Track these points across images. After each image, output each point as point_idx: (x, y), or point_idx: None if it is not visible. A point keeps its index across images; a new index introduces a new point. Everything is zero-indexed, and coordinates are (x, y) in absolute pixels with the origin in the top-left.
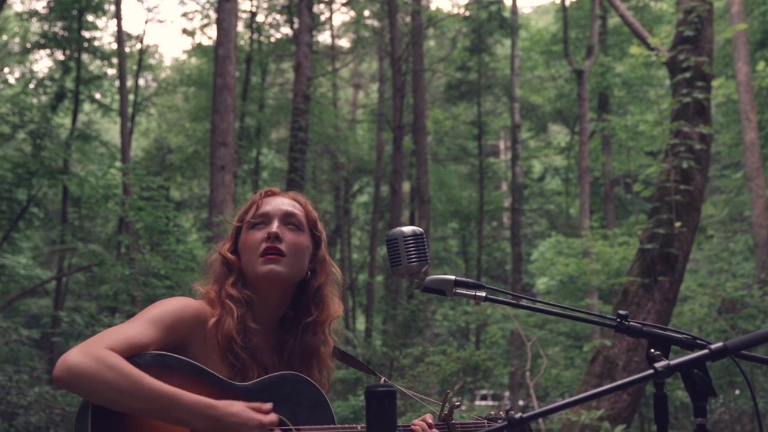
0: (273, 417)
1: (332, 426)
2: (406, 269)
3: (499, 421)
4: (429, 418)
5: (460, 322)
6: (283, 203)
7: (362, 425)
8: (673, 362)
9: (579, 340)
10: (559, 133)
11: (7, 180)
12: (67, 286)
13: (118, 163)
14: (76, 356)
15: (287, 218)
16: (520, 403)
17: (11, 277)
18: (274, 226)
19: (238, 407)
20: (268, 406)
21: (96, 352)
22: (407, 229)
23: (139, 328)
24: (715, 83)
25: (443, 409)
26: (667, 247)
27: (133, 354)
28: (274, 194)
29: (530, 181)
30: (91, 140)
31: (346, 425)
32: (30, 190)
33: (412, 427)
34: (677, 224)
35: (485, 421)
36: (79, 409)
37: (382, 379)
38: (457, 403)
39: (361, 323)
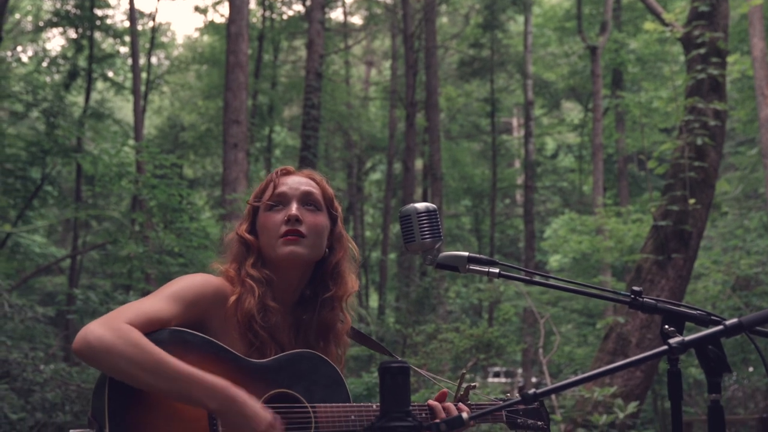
0: (281, 427)
1: (347, 404)
2: (420, 245)
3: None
4: (444, 396)
5: (473, 300)
6: (300, 183)
7: (377, 404)
8: (687, 338)
9: (592, 317)
10: (572, 110)
11: (21, 158)
12: (81, 264)
13: (131, 141)
14: (97, 329)
15: (305, 199)
16: (533, 380)
17: (26, 255)
18: (294, 208)
19: (254, 400)
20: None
21: (117, 326)
22: (420, 205)
23: (159, 303)
24: (730, 59)
25: (459, 390)
26: (681, 224)
27: (153, 329)
28: (289, 173)
29: (543, 158)
30: (104, 118)
31: (362, 404)
32: (44, 169)
33: (429, 404)
34: (691, 201)
35: (500, 401)
36: (96, 385)
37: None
38: (473, 384)
39: (374, 301)
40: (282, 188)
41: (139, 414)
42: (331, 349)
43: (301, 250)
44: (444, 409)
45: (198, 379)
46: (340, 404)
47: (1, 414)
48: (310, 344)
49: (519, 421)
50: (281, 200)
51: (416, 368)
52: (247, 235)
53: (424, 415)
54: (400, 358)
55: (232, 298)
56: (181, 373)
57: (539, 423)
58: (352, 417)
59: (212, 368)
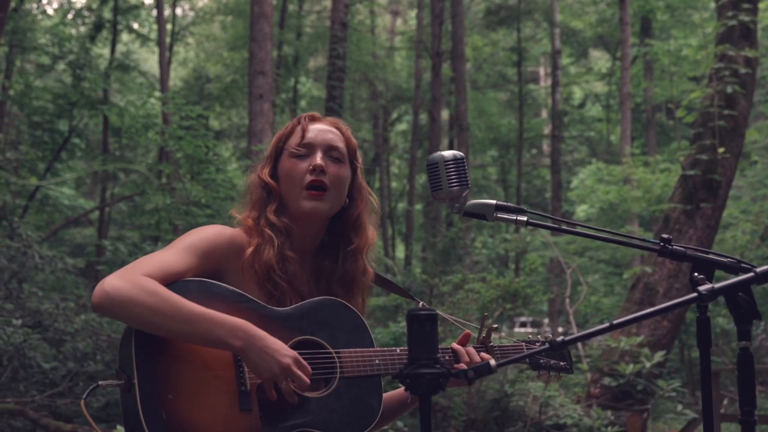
0: (308, 368)
1: (372, 349)
2: (447, 194)
3: (537, 344)
4: (467, 338)
5: (500, 250)
6: (326, 132)
7: (401, 348)
8: (717, 285)
9: (619, 267)
10: (600, 59)
11: (48, 111)
12: (110, 216)
13: (157, 93)
14: (115, 282)
15: (330, 150)
16: (560, 330)
17: (56, 208)
18: (319, 158)
19: (276, 338)
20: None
21: (134, 277)
22: (448, 153)
23: (174, 255)
24: (762, 5)
25: (481, 332)
26: (710, 173)
27: (170, 281)
28: (315, 119)
29: (570, 107)
30: (129, 70)
31: (385, 348)
32: (71, 121)
33: (453, 347)
34: (720, 150)
35: (523, 343)
36: (122, 338)
37: (421, 303)
38: (495, 326)
39: (400, 251)
40: (309, 136)
41: (165, 363)
42: (356, 300)
43: (323, 206)
44: (467, 352)
45: (218, 320)
46: (364, 349)
47: (35, 363)
48: (333, 293)
49: (542, 361)
50: (307, 148)
51: (440, 312)
52: (270, 180)
53: (447, 357)
54: (423, 303)
55: (250, 250)
56: (200, 316)
57: (561, 363)
58: (377, 361)
59: (236, 316)
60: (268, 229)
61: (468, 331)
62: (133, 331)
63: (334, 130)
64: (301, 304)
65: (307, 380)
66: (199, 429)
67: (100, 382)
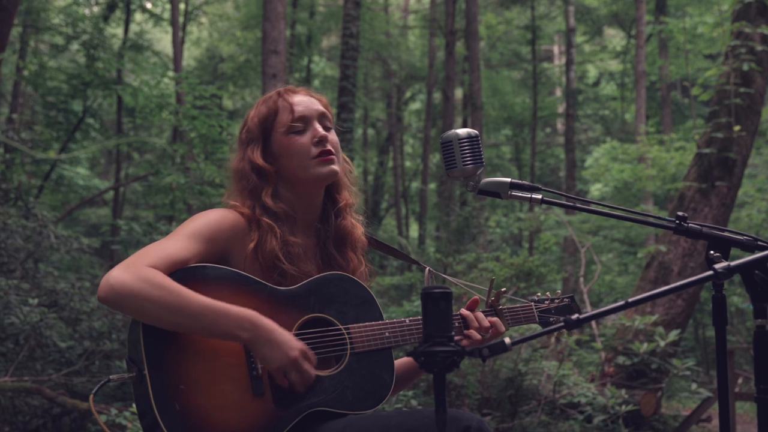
0: (314, 358)
1: (381, 322)
2: (461, 172)
3: (546, 302)
4: (475, 303)
5: (513, 229)
6: (314, 103)
7: (411, 318)
8: (733, 263)
9: (633, 246)
10: (614, 37)
11: (62, 91)
12: (124, 196)
13: (170, 73)
14: (120, 275)
15: (322, 119)
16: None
17: (70, 188)
18: (320, 129)
19: (284, 329)
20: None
21: (139, 270)
22: (462, 131)
23: (178, 243)
24: None
25: (489, 296)
26: (726, 152)
27: (175, 269)
28: (293, 92)
29: (585, 86)
30: (143, 50)
31: (395, 320)
32: (85, 101)
33: (461, 313)
34: (736, 128)
35: (532, 303)
36: (131, 325)
37: (427, 269)
38: (503, 289)
39: (414, 230)
40: (299, 109)
41: (175, 354)
42: (351, 256)
43: (337, 168)
44: (476, 317)
45: (224, 312)
46: (373, 323)
47: (51, 342)
48: (332, 256)
49: (551, 320)
50: (303, 121)
51: (447, 276)
52: (265, 163)
53: (457, 324)
54: (429, 268)
55: (251, 245)
56: (206, 309)
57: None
58: (387, 334)
59: (244, 300)
60: (267, 217)
61: (477, 296)
62: (141, 325)
63: (316, 98)
64: (307, 282)
65: (313, 375)
66: (213, 417)
67: (111, 377)
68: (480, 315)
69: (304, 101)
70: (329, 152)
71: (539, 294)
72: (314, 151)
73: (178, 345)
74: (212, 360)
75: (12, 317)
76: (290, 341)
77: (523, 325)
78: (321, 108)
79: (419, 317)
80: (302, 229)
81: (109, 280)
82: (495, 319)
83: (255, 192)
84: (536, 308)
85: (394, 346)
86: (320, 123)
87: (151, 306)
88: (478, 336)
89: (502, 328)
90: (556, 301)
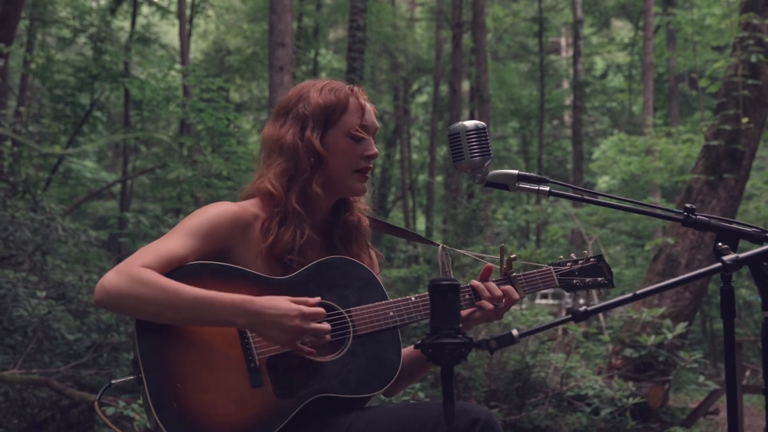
0: (318, 309)
1: (384, 302)
2: (469, 164)
3: (568, 263)
4: (488, 272)
5: (521, 222)
6: (374, 116)
7: (417, 295)
8: (741, 255)
9: (641, 238)
10: (622, 29)
11: (69, 84)
12: (131, 189)
13: (177, 66)
14: (112, 278)
15: (374, 135)
16: (581, 301)
17: (78, 181)
18: (374, 146)
19: (278, 300)
20: (315, 299)
21: (130, 271)
22: (469, 123)
23: (175, 241)
24: None
25: (502, 264)
26: (733, 144)
27: (172, 268)
28: (365, 97)
29: (592, 78)
30: (150, 43)
31: (399, 299)
32: (92, 94)
33: (472, 284)
34: (744, 120)
35: (551, 267)
36: (132, 333)
37: (440, 245)
38: (514, 256)
39: (421, 223)
40: (367, 118)
41: (170, 352)
42: (355, 250)
43: (367, 186)
44: (487, 288)
45: (217, 300)
46: (376, 303)
47: (59, 335)
48: (336, 250)
49: (575, 281)
50: (365, 131)
51: (459, 250)
52: (324, 151)
53: (467, 296)
54: (442, 245)
55: (260, 225)
56: (198, 299)
57: (599, 279)
58: (391, 313)
59: (241, 292)
60: (300, 206)
61: (489, 264)
62: (135, 325)
63: (374, 110)
64: (304, 269)
65: (326, 327)
66: (212, 411)
67: (113, 381)
68: (491, 285)
69: (371, 111)
70: (369, 170)
71: (561, 257)
72: (361, 164)
73: (172, 342)
74: (208, 352)
75: (20, 310)
76: (287, 312)
77: (542, 290)
78: (377, 124)
79: (425, 294)
80: (315, 224)
81: (102, 283)
82: (508, 287)
83: (301, 175)
84: (556, 271)
85: (400, 325)
86: (372, 137)
87: (143, 304)
88: (490, 305)
89: (516, 296)
90: (581, 262)
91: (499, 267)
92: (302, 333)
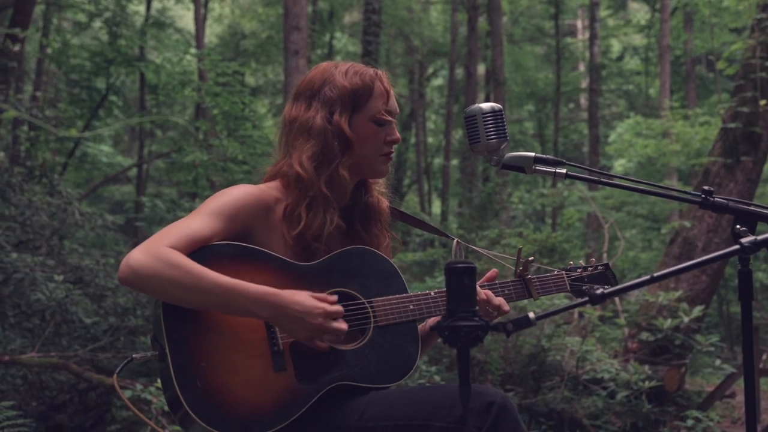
0: (338, 308)
1: (405, 295)
2: (485, 146)
3: (579, 269)
4: (494, 274)
5: (536, 205)
6: (395, 101)
7: (437, 290)
8: (760, 237)
9: (657, 222)
10: (638, 11)
11: (85, 69)
12: (147, 173)
13: (193, 50)
14: (139, 256)
15: (395, 119)
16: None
17: (94, 165)
18: (396, 132)
19: (302, 296)
20: (333, 298)
21: (157, 250)
22: (486, 105)
23: (199, 221)
24: None
25: (518, 266)
26: (751, 126)
27: (196, 248)
28: (387, 80)
29: (608, 60)
30: (165, 27)
31: (419, 293)
32: (108, 79)
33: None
34: (762, 102)
35: (563, 272)
36: (154, 305)
37: (456, 240)
38: (531, 258)
39: (436, 207)
40: (392, 103)
41: (196, 331)
42: (375, 232)
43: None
44: (485, 295)
45: (242, 290)
46: (397, 296)
47: (77, 318)
48: (357, 232)
49: (584, 288)
50: (390, 115)
51: (475, 247)
52: (353, 135)
53: None
54: (457, 240)
55: (282, 207)
56: (223, 288)
57: (605, 287)
58: (411, 306)
59: (265, 276)
60: (328, 190)
61: (495, 270)
62: (162, 305)
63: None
64: (329, 257)
65: (344, 327)
66: (235, 393)
67: (134, 356)
68: (488, 292)
69: (392, 95)
70: (392, 153)
71: (572, 262)
72: (385, 149)
73: (198, 322)
74: (233, 337)
75: (38, 294)
76: (311, 309)
77: (554, 294)
78: (398, 109)
79: (444, 289)
80: (339, 208)
81: (128, 261)
82: (500, 299)
83: (331, 159)
84: (568, 277)
85: (419, 318)
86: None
87: (169, 286)
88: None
89: (507, 308)
90: (590, 269)
91: (514, 269)
92: (324, 331)
